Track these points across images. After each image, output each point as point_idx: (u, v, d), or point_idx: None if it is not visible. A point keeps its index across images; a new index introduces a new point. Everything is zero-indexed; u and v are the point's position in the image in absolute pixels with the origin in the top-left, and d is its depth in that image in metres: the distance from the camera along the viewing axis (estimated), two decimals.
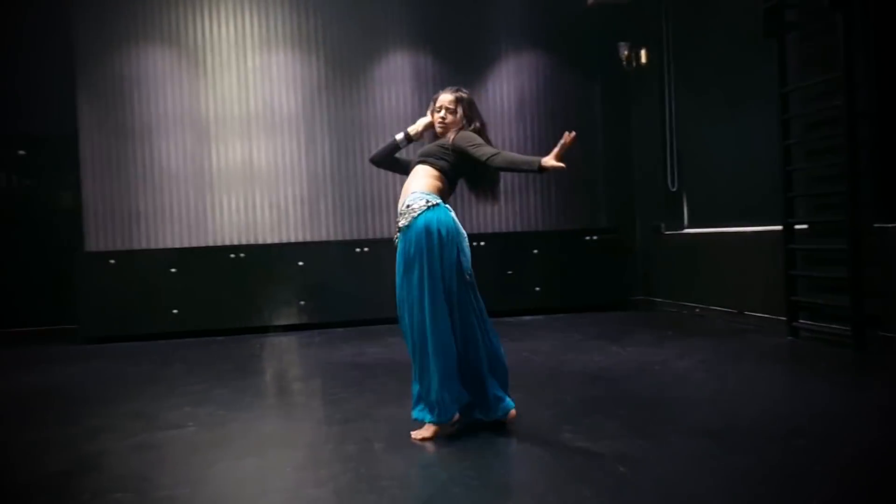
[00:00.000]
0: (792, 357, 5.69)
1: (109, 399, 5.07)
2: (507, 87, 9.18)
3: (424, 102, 8.93)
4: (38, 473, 3.43)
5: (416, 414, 3.82)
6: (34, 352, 7.60)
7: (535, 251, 8.81)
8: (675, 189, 8.60)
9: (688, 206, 8.57)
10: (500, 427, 3.88)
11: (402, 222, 3.79)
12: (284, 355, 6.79)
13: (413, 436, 3.75)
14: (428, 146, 4.03)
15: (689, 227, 8.52)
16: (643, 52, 8.86)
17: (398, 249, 3.84)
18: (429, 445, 3.64)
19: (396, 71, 8.94)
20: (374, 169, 8.64)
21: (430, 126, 4.11)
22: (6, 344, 8.19)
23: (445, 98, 4.05)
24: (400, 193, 3.96)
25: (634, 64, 8.97)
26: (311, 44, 8.79)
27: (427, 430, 3.75)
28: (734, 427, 3.73)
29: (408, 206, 3.79)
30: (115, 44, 8.43)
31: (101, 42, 8.41)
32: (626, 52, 8.95)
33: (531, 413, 4.14)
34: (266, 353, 6.95)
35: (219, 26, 8.63)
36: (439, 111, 4.04)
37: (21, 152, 9.07)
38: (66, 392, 5.47)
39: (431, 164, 3.91)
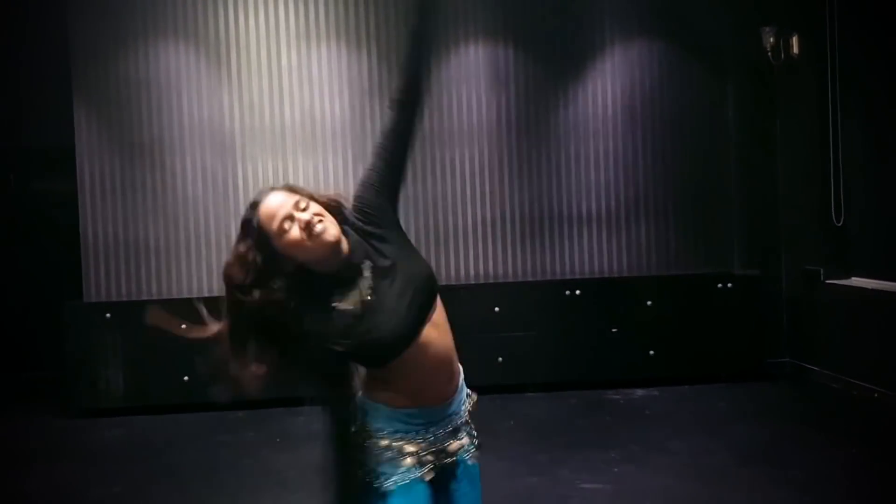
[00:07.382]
0: None
1: None
2: (614, 86, 7.42)
3: (503, 107, 7.36)
4: None
5: None
6: (13, 427, 6.25)
7: (649, 302, 6.94)
8: (840, 224, 6.69)
9: (858, 246, 6.76)
10: None
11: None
12: (313, 446, 5.08)
13: None
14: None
15: (858, 276, 6.72)
16: (795, 40, 7.18)
17: None
18: None
19: (469, 68, 7.29)
20: (439, 194, 7.23)
21: None
22: None
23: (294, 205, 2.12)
24: None
25: (783, 55, 7.27)
26: (360, 36, 7.20)
27: None
28: None
29: None
30: (118, 40, 7.00)
31: (102, 38, 6.99)
32: (771, 40, 7.26)
33: None
34: (286, 444, 5.26)
35: (245, 17, 7.10)
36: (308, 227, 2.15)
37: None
38: None
39: None
